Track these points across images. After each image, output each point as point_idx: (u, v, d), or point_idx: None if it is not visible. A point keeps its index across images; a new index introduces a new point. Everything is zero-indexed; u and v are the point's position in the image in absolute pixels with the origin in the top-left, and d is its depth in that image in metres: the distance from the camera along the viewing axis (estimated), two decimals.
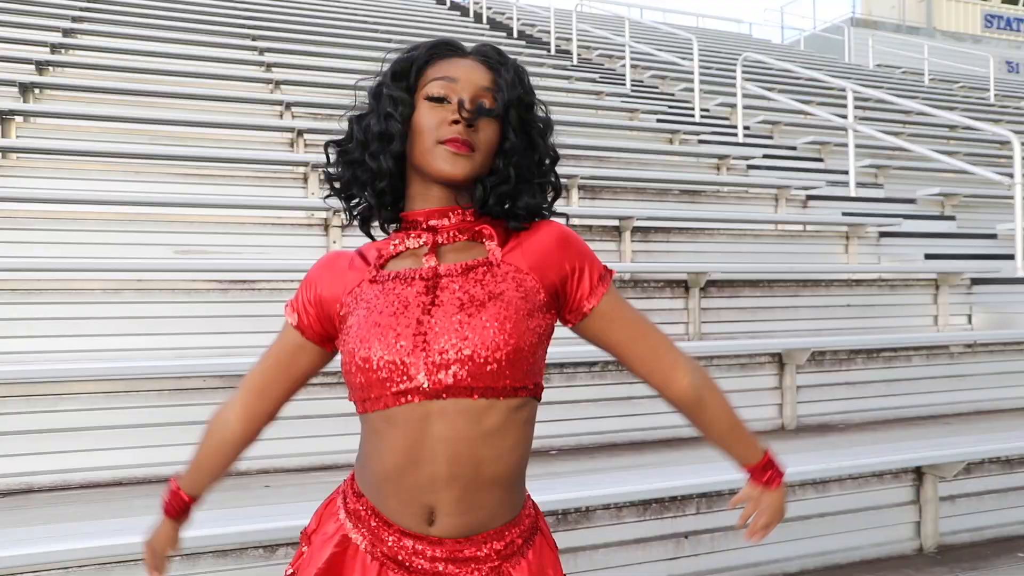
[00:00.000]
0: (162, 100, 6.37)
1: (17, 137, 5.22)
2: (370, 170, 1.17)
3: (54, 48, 7.09)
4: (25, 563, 2.05)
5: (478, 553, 1.13)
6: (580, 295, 1.19)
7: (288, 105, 6.50)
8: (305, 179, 5.17)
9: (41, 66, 6.46)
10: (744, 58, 8.49)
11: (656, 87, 10.43)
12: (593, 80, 9.80)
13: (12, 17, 7.84)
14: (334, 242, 4.47)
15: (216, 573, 2.22)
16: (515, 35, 12.20)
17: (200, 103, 6.43)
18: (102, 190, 4.64)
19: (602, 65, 11.28)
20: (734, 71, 8.62)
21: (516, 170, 1.16)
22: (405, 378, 1.08)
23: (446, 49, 1.18)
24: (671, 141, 7.65)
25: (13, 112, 5.22)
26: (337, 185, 1.21)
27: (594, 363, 3.48)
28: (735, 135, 8.12)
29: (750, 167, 7.16)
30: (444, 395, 1.07)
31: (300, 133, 5.84)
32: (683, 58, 10.13)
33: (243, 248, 4.25)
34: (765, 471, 1.29)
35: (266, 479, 2.84)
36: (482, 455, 1.10)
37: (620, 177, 6.01)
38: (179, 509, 1.43)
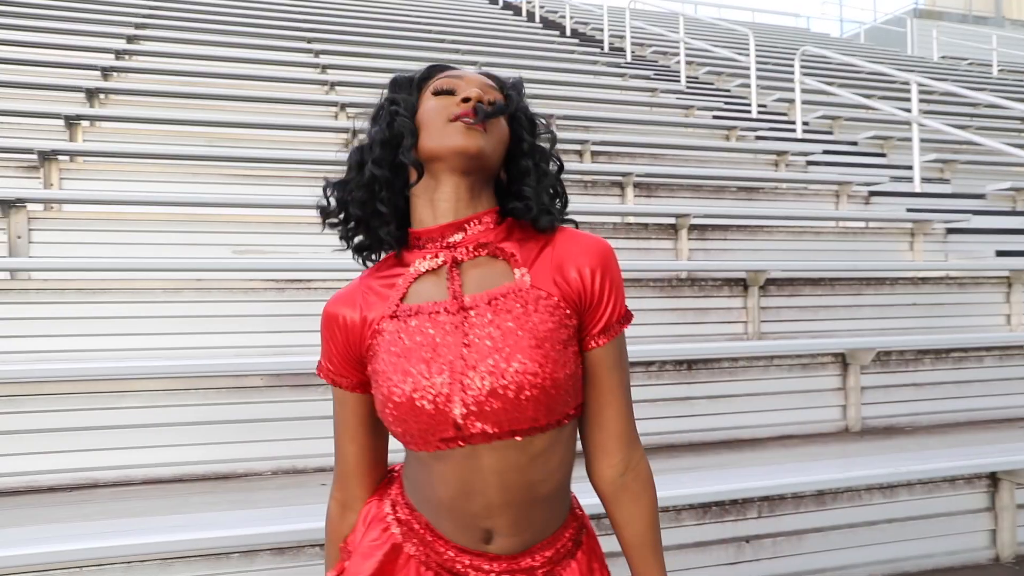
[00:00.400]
0: (221, 103, 6.48)
1: (84, 141, 5.35)
2: (375, 182, 1.11)
3: (119, 54, 7.27)
4: (89, 557, 2.08)
5: (533, 563, 1.12)
6: (592, 330, 1.11)
7: (343, 106, 6.55)
8: None
9: (106, 72, 6.62)
10: (802, 52, 8.30)
11: (711, 83, 10.27)
12: (647, 77, 9.69)
13: (79, 25, 8.06)
14: None
15: (274, 570, 2.23)
16: (568, 33, 12.14)
17: (257, 105, 6.52)
18: (163, 192, 4.72)
19: (656, 62, 11.15)
20: (792, 66, 8.44)
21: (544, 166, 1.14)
22: (448, 428, 1.04)
23: (444, 67, 1.18)
24: (728, 138, 7.52)
25: (80, 117, 5.35)
26: (339, 216, 1.16)
27: (651, 363, 3.42)
28: (793, 131, 7.94)
29: (809, 163, 7.00)
30: (490, 440, 1.04)
31: (355, 134, 5.83)
32: (739, 53, 9.95)
33: (299, 248, 4.28)
34: None
35: (323, 477, 2.85)
36: (533, 479, 1.08)
37: (676, 175, 5.92)
38: None
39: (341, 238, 1.17)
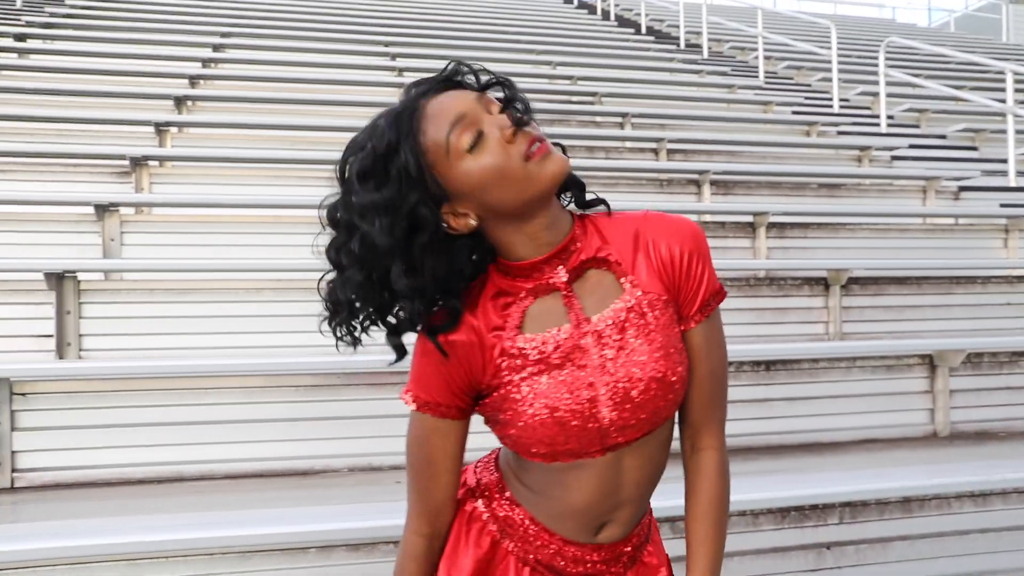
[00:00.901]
0: (301, 107, 6.64)
1: (172, 146, 5.55)
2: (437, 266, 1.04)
3: (205, 63, 7.52)
4: (173, 548, 2.16)
5: (626, 548, 1.17)
6: (687, 311, 1.13)
7: None
8: None
9: (193, 80, 6.86)
10: (887, 43, 8.02)
11: (791, 78, 10.02)
12: (724, 73, 9.52)
13: (169, 36, 8.37)
14: None
15: (349, 566, 2.27)
16: (643, 31, 12.02)
17: (337, 108, 6.66)
18: (247, 194, 4.87)
19: (734, 58, 10.94)
20: (876, 58, 8.16)
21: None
22: (594, 443, 1.08)
23: (410, 118, 1.03)
24: (808, 133, 7.32)
25: (169, 123, 5.56)
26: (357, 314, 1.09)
27: (728, 363, 3.35)
28: (877, 125, 7.68)
29: (894, 158, 6.76)
30: (630, 443, 1.10)
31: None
32: (820, 47, 9.68)
33: None
34: None
35: (397, 475, 2.89)
36: (661, 463, 1.16)
37: (754, 172, 5.80)
38: None
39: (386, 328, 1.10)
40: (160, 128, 5.46)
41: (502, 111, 1.04)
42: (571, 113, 7.03)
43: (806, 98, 8.57)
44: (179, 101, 6.17)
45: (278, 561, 2.23)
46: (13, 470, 2.79)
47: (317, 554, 2.26)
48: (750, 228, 4.82)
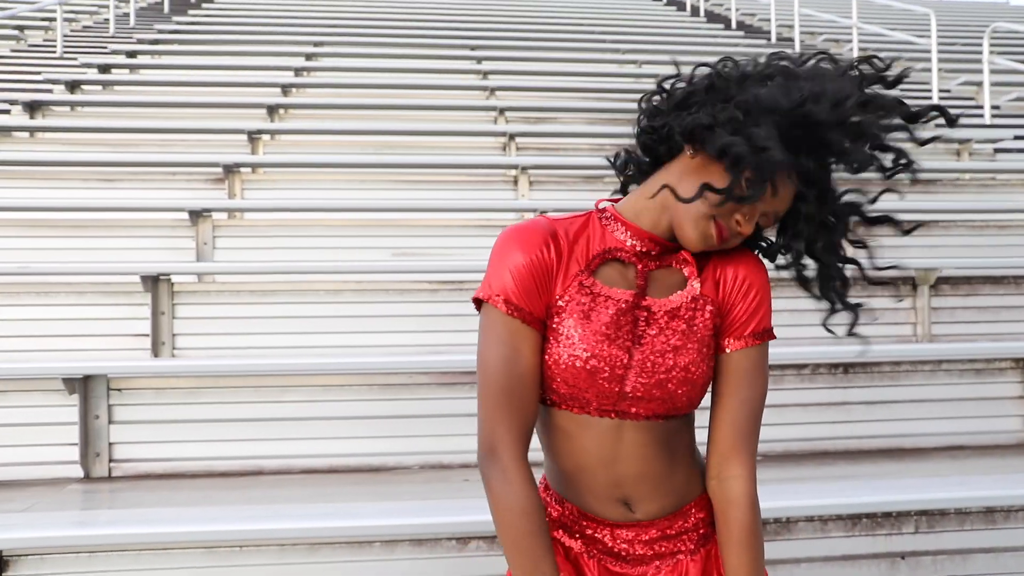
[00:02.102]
0: (389, 112, 6.81)
1: (264, 153, 5.79)
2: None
3: (297, 72, 7.80)
4: (247, 537, 2.28)
5: (652, 535, 1.23)
6: (728, 334, 1.20)
7: (502, 110, 6.70)
8: (515, 182, 5.31)
9: (286, 88, 7.13)
10: (992, 29, 7.63)
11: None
12: None
13: (263, 47, 8.72)
14: None
15: (412, 560, 2.34)
16: (733, 26, 11.77)
17: (423, 113, 6.80)
18: (334, 198, 5.04)
19: (828, 51, 10.60)
20: (980, 45, 7.78)
21: None
22: (605, 401, 1.17)
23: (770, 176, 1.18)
24: None
25: (260, 131, 5.80)
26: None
27: (803, 365, 3.28)
28: (981, 116, 7.31)
29: (997, 151, 6.43)
30: (635, 419, 1.18)
31: (512, 137, 6.01)
32: (919, 35, 9.28)
33: (454, 250, 4.44)
34: None
35: (466, 473, 2.95)
36: (661, 454, 1.20)
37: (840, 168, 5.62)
38: None
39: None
40: (252, 136, 5.69)
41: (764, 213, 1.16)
42: None
43: (902, 90, 8.19)
44: (271, 110, 6.43)
45: (344, 554, 2.32)
46: (110, 460, 2.98)
47: (381, 548, 2.34)
48: None
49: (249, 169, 5.25)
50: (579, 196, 5.15)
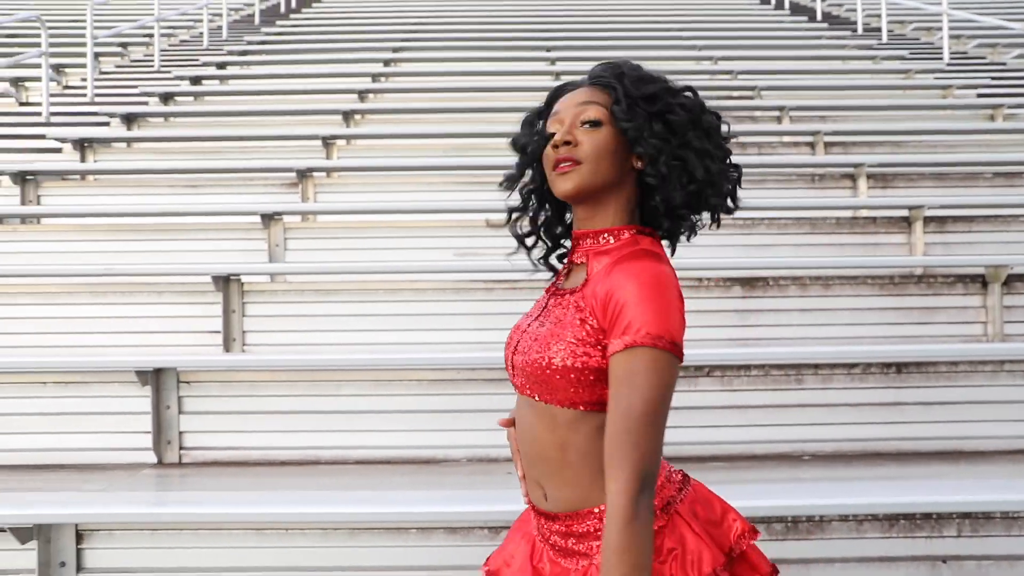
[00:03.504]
0: (461, 116, 6.94)
1: (338, 158, 6.01)
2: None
3: (375, 77, 8.04)
4: (296, 521, 2.43)
5: (588, 528, 1.25)
6: (605, 340, 1.22)
7: None
8: None
9: (363, 94, 7.36)
10: None
11: (983, 57, 9.23)
12: (902, 58, 8.92)
13: (343, 55, 9.01)
14: None
15: (446, 547, 2.44)
16: (818, 17, 11.48)
17: (495, 115, 6.89)
18: (399, 201, 5.20)
19: (917, 40, 10.23)
20: None
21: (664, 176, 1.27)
22: (511, 374, 1.35)
23: (559, 93, 1.37)
24: (992, 118, 6.75)
25: (335, 137, 6.02)
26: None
27: (854, 364, 3.23)
28: None
29: None
30: (523, 391, 1.30)
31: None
32: (1015, 20, 8.87)
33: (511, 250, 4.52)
34: None
35: (509, 466, 3.04)
36: (553, 444, 1.24)
37: (918, 163, 5.45)
38: None
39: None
40: (327, 141, 5.92)
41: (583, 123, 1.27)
42: (726, 110, 6.86)
43: (994, 79, 7.87)
44: (347, 115, 6.66)
45: (383, 539, 2.45)
46: (180, 448, 3.20)
47: (418, 534, 2.45)
48: (905, 223, 4.55)
49: (324, 173, 5.47)
50: None
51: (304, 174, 5.20)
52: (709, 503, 1.30)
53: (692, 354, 3.22)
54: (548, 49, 9.33)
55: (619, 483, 1.12)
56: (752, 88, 7.44)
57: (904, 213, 4.58)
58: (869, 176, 5.22)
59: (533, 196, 1.38)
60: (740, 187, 1.34)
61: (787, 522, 2.48)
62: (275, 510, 2.43)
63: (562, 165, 1.24)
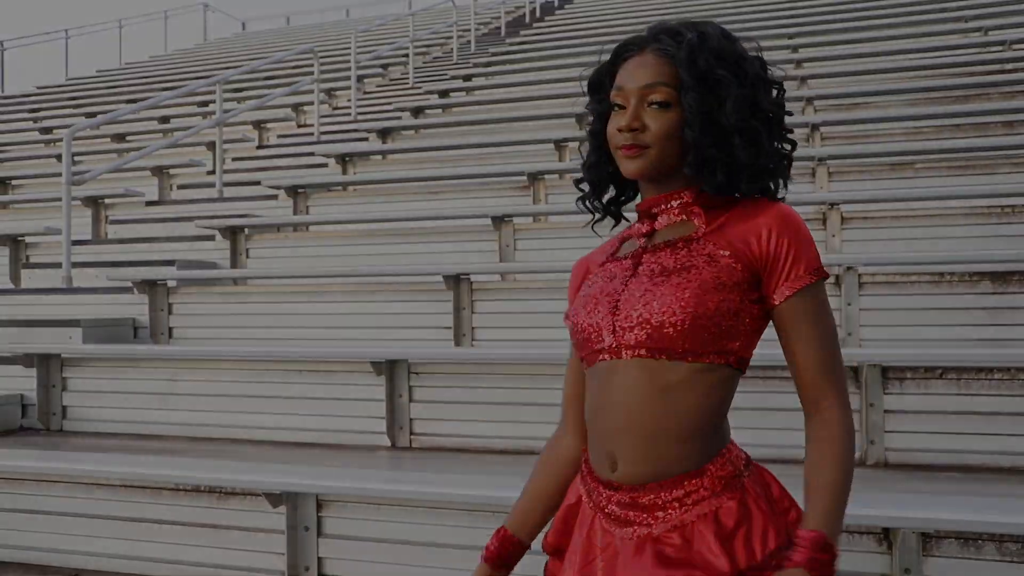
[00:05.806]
0: None
1: (570, 160, 6.16)
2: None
3: None
4: (502, 503, 2.56)
5: (643, 500, 1.20)
6: (772, 286, 1.21)
7: (810, 99, 6.43)
8: (813, 173, 5.10)
9: None
10: None
11: None
12: None
13: (578, 59, 9.19)
14: (832, 235, 4.37)
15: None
16: None
17: None
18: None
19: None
20: None
21: (713, 147, 1.21)
22: (599, 339, 1.24)
23: (624, 51, 1.29)
24: None
25: (566, 139, 6.19)
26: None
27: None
28: None
29: None
30: (627, 354, 1.20)
31: (815, 127, 5.77)
32: None
33: None
34: (799, 542, 1.14)
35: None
36: (656, 410, 1.19)
37: None
38: (507, 555, 1.41)
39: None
40: (559, 144, 6.11)
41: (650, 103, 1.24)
42: (994, 85, 6.20)
43: None
44: (580, 118, 6.81)
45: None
46: (411, 433, 3.48)
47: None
48: None
49: (555, 176, 5.65)
50: (882, 185, 4.82)
51: (535, 177, 5.42)
52: (768, 486, 1.25)
53: (922, 354, 3.00)
54: (791, 36, 8.93)
55: (838, 408, 1.20)
56: None
57: None
58: None
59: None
60: (791, 170, 1.30)
61: None
62: (492, 493, 2.57)
63: (629, 150, 1.23)
